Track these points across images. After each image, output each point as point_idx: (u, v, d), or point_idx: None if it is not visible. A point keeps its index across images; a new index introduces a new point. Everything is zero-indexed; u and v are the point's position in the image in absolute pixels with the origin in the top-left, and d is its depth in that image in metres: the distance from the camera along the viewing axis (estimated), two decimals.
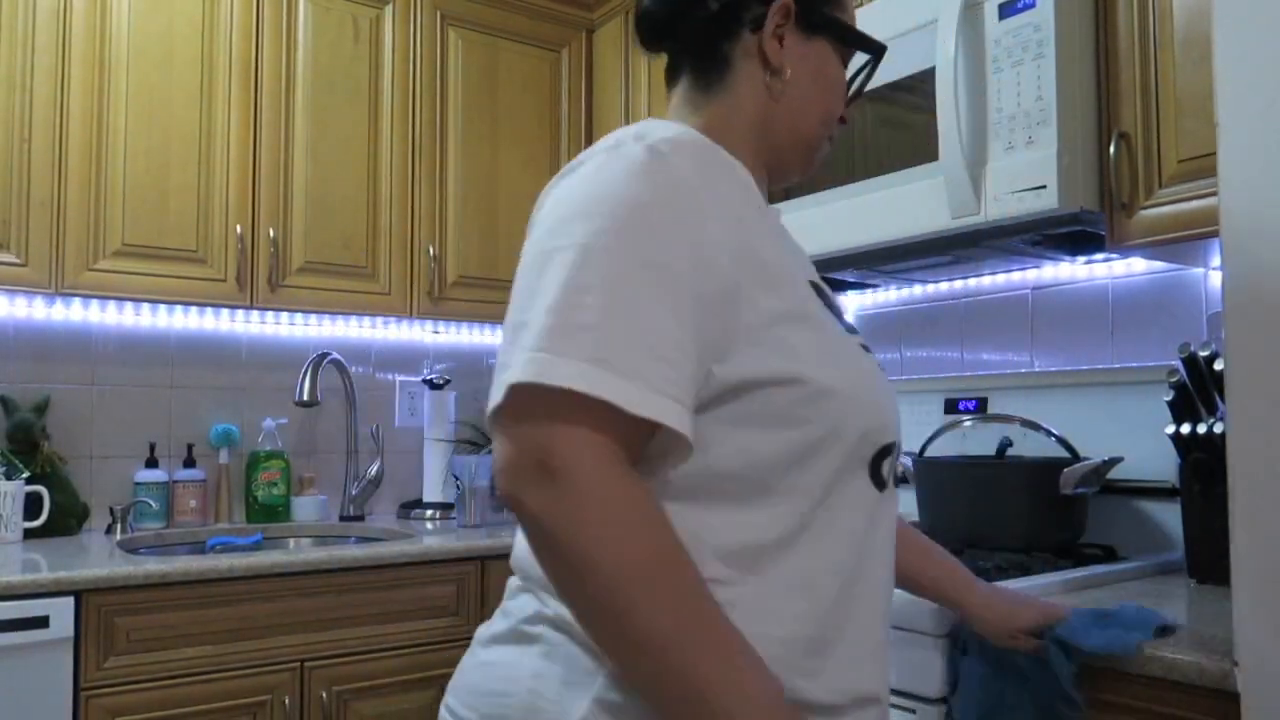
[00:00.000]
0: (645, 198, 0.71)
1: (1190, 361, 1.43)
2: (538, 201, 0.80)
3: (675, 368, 0.67)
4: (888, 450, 0.81)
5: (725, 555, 0.73)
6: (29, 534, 2.06)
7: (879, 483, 0.81)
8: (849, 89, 0.95)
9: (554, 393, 0.64)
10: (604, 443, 0.65)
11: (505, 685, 0.76)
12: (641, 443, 0.69)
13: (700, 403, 0.72)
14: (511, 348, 0.68)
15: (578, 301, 0.66)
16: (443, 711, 0.82)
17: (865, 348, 0.85)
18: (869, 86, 0.99)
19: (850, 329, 0.85)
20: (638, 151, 0.74)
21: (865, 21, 1.74)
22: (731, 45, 0.88)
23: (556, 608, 0.74)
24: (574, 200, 0.72)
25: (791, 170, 0.93)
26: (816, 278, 0.86)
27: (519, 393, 0.65)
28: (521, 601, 0.80)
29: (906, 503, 1.81)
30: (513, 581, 0.83)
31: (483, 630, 0.83)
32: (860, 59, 0.97)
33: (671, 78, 0.92)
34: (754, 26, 0.87)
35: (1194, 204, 1.37)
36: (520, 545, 0.81)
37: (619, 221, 0.69)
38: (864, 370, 0.80)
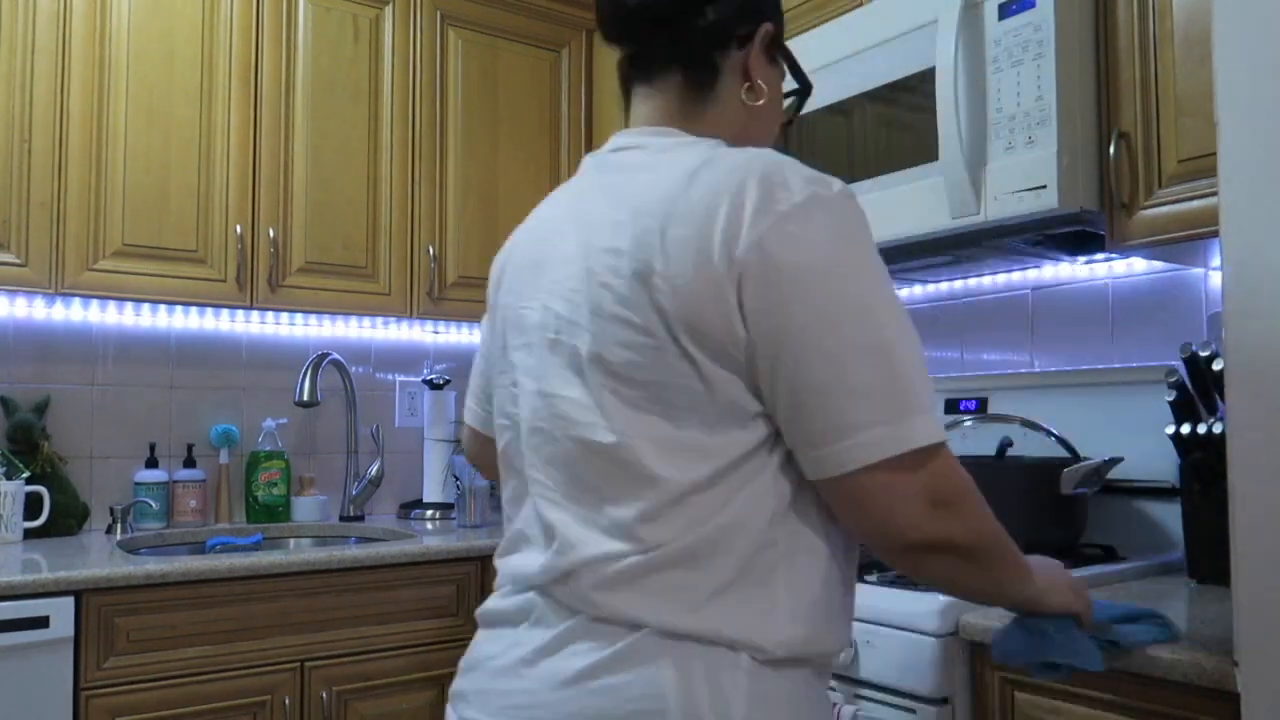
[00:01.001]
0: (877, 263, 0.80)
1: (1190, 361, 1.43)
2: (750, 234, 0.77)
3: None
4: None
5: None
6: (29, 534, 2.06)
7: None
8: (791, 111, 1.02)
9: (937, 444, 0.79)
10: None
11: (650, 703, 0.75)
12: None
13: None
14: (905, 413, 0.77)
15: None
16: None
17: None
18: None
19: None
20: (849, 200, 0.81)
21: (864, 22, 1.74)
22: (722, 57, 0.92)
23: (662, 623, 0.76)
24: (839, 258, 0.78)
25: None
26: None
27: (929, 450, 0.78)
28: (598, 630, 0.78)
29: None
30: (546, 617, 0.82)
31: (561, 668, 0.79)
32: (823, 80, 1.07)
33: (644, 75, 0.94)
34: (741, 42, 0.92)
35: (1194, 204, 1.37)
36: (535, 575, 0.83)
37: (894, 302, 0.79)
38: None
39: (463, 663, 0.91)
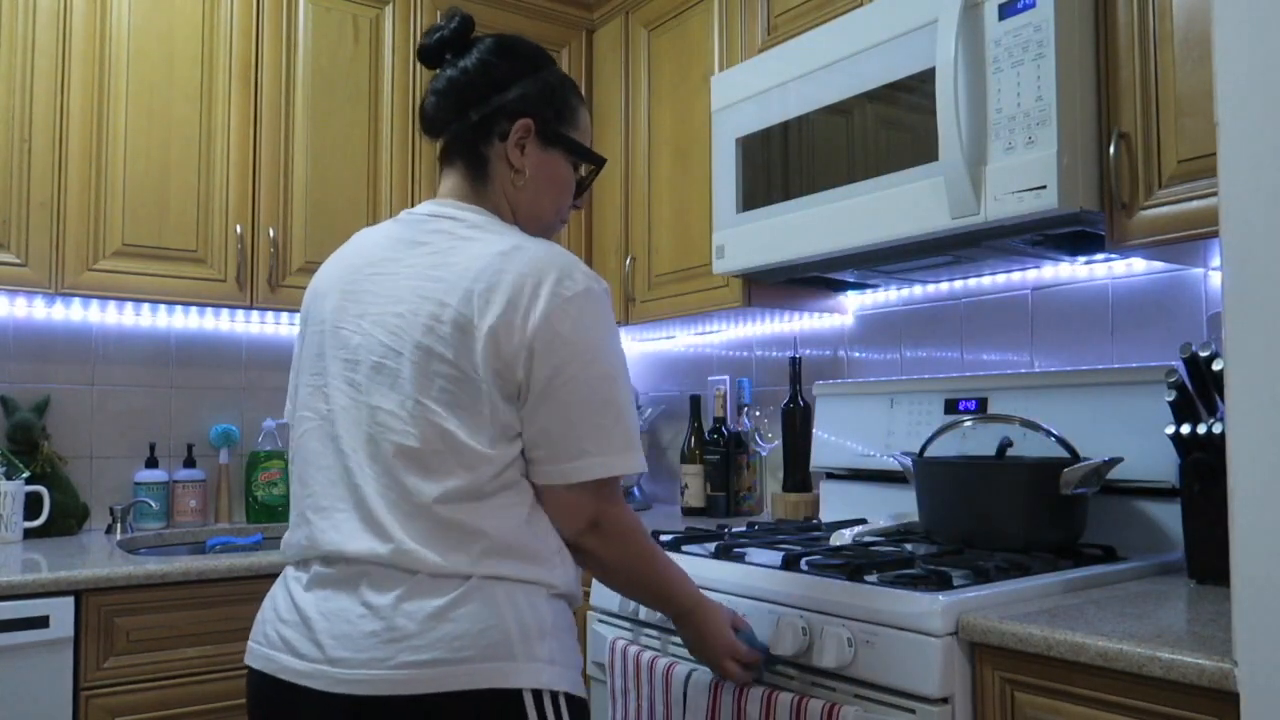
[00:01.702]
0: (617, 340, 1.13)
1: (1190, 361, 1.43)
2: (485, 277, 1.07)
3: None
4: None
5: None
6: (29, 534, 2.06)
7: None
8: (579, 187, 1.28)
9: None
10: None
11: (491, 621, 1.05)
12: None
13: None
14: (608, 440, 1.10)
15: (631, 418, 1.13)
16: (410, 674, 1.03)
17: None
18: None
19: None
20: (600, 293, 1.11)
21: (864, 22, 1.74)
22: (488, 148, 1.19)
23: (488, 570, 1.07)
24: (604, 343, 1.11)
25: (543, 234, 1.24)
26: None
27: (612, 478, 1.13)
28: (431, 582, 1.06)
29: (907, 502, 1.81)
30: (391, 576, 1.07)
31: (418, 609, 1.05)
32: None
33: (445, 160, 1.23)
34: (502, 137, 1.19)
35: (1194, 204, 1.37)
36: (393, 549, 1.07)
37: (625, 372, 1.13)
38: None
39: (285, 615, 1.13)
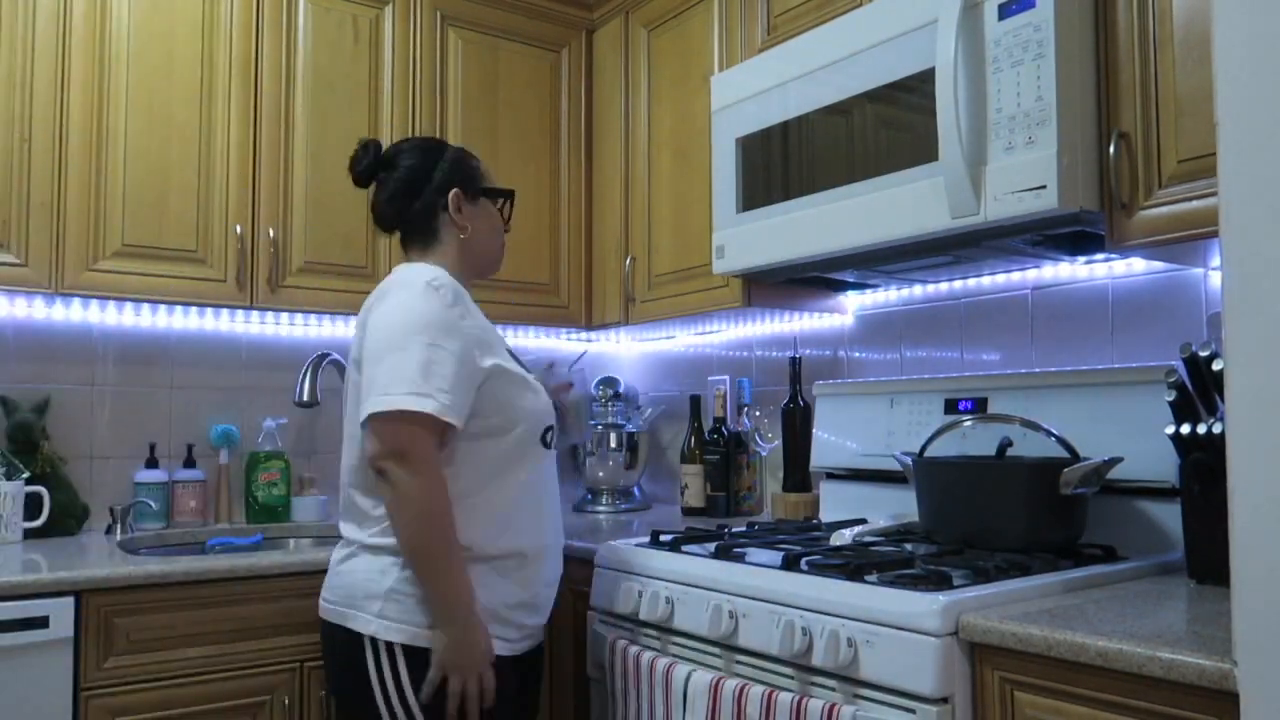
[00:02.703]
0: (435, 313, 1.44)
1: (1190, 361, 1.43)
2: (360, 317, 1.55)
3: (457, 395, 1.42)
4: (551, 428, 1.60)
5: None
6: (29, 534, 2.06)
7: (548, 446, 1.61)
8: (505, 215, 1.72)
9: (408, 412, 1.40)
10: (427, 435, 1.41)
11: (351, 579, 1.50)
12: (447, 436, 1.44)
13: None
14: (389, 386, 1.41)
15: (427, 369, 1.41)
16: (322, 604, 1.55)
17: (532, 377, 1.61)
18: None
19: (527, 368, 1.62)
20: (422, 286, 1.46)
21: (864, 22, 1.74)
22: (435, 220, 1.62)
23: (365, 539, 1.51)
24: (400, 320, 1.45)
25: (487, 274, 1.72)
26: (508, 345, 1.62)
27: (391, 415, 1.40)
28: (344, 545, 1.57)
29: (907, 502, 1.81)
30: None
31: (334, 562, 1.57)
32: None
33: (404, 241, 1.65)
34: (444, 209, 1.61)
35: (1194, 204, 1.37)
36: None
37: (431, 328, 1.43)
38: (537, 392, 1.58)
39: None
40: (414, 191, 1.60)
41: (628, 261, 2.52)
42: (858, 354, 2.35)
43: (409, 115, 2.39)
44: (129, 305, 2.18)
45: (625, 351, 3.09)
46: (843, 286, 2.26)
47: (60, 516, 2.13)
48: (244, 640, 1.81)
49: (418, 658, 1.42)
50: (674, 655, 1.60)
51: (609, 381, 2.79)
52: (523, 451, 1.54)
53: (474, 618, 1.43)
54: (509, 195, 1.71)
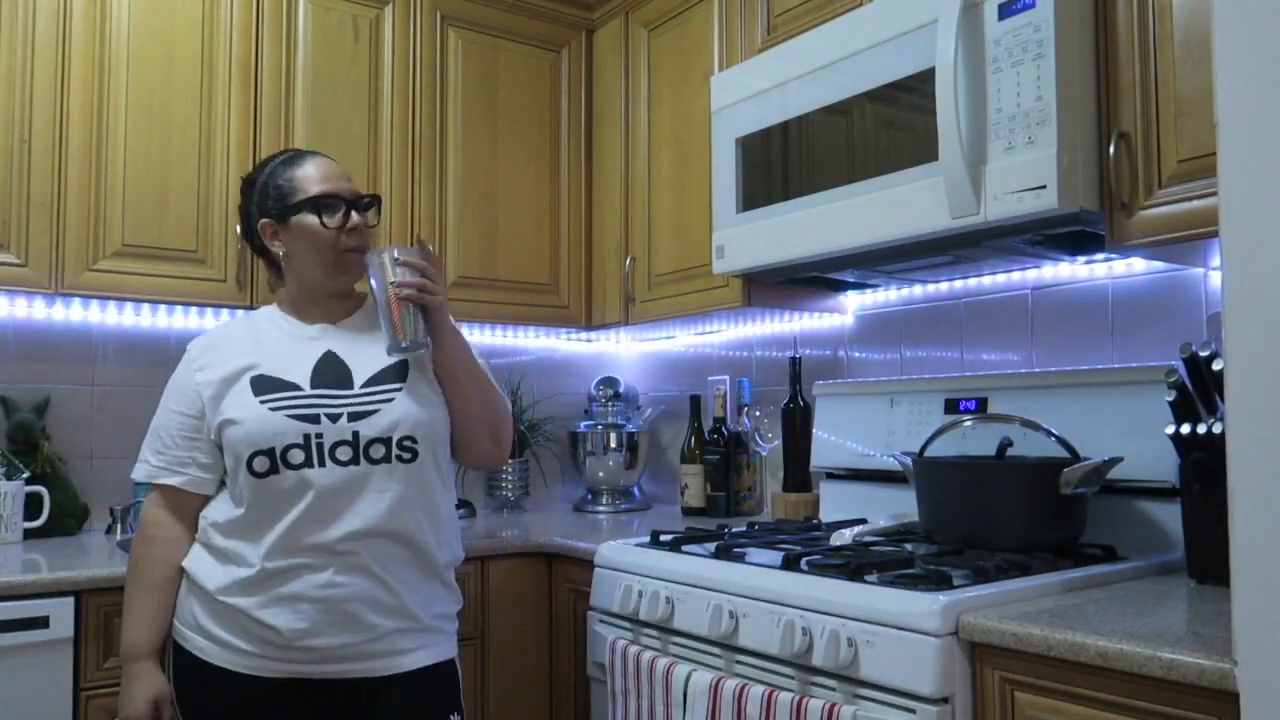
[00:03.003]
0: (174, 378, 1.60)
1: (1190, 361, 1.43)
2: None
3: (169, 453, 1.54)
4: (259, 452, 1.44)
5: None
6: (29, 534, 2.06)
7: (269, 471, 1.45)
8: (348, 207, 1.52)
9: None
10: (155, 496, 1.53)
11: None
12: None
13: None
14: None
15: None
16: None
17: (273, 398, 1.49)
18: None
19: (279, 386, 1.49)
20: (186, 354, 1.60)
21: (864, 22, 1.74)
22: (270, 255, 1.56)
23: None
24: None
25: (334, 283, 1.54)
26: (263, 368, 1.49)
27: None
28: None
29: (907, 502, 1.81)
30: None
31: None
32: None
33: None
34: (268, 241, 1.54)
35: (1194, 204, 1.37)
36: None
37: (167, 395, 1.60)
38: (261, 415, 1.45)
39: None
40: (249, 235, 1.57)
41: (628, 261, 2.52)
42: (858, 354, 2.35)
43: (409, 115, 2.39)
44: (129, 305, 2.18)
45: (625, 351, 3.09)
46: (843, 286, 2.26)
47: (60, 516, 2.13)
48: None
49: (178, 653, 1.48)
50: (674, 655, 1.60)
51: (609, 381, 2.79)
52: (238, 481, 1.45)
53: (131, 664, 1.46)
54: (313, 202, 1.49)
